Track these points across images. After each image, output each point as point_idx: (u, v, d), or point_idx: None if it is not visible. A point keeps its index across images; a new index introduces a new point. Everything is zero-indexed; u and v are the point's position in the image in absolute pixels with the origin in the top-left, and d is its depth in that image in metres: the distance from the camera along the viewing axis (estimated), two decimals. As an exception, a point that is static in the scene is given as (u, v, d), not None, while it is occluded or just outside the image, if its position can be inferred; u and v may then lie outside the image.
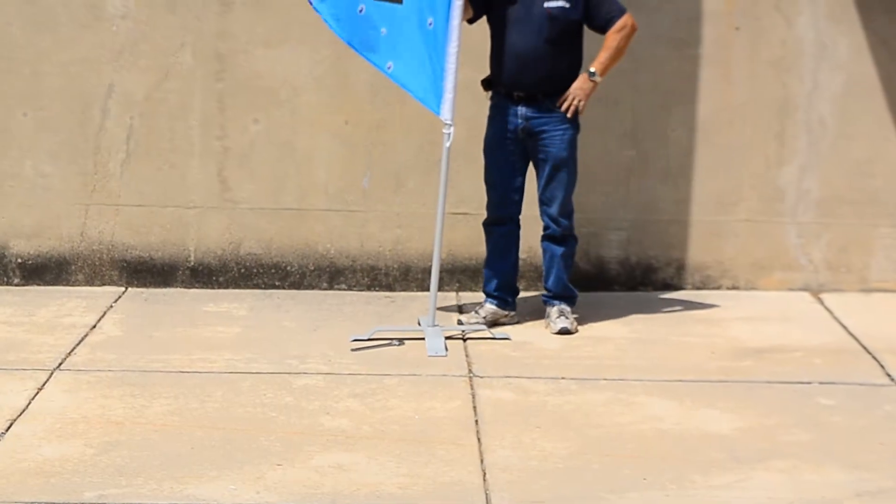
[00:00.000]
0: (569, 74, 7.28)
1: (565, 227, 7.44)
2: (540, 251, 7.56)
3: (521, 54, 7.21)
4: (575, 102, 7.22)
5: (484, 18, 7.36)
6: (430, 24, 7.10)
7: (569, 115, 7.22)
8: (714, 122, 8.15)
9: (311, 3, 7.26)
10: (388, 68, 7.25)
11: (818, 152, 8.17)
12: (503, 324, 7.43)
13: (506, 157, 7.36)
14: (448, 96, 7.09)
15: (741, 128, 8.16)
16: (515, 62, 7.23)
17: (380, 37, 7.22)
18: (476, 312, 7.49)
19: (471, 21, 7.27)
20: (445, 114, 7.12)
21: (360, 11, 7.26)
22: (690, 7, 8.06)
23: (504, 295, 7.49)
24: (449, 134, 7.14)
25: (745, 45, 8.11)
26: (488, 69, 7.42)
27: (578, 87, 7.23)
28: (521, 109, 7.29)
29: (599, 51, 7.26)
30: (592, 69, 7.22)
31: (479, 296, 7.92)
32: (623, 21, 7.24)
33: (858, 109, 8.15)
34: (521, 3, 7.22)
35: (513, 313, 7.51)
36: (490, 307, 7.47)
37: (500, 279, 7.48)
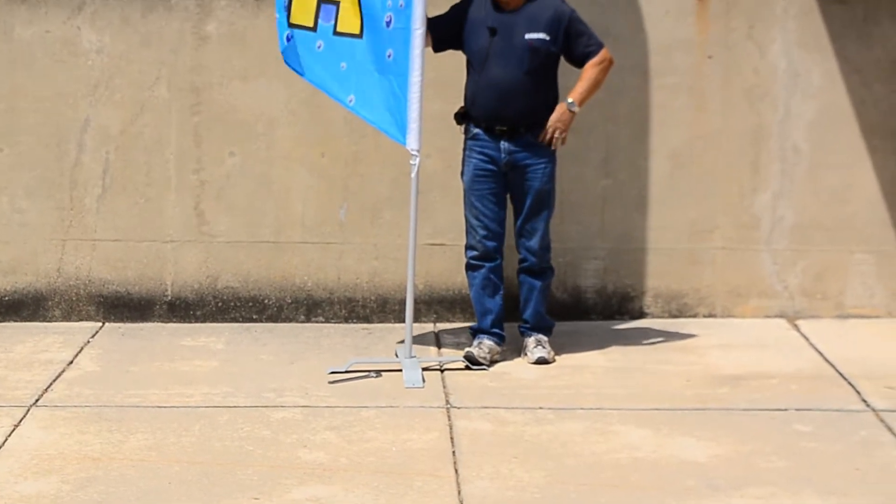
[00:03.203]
0: (548, 107, 7.30)
1: (544, 259, 7.46)
2: (515, 282, 7.55)
3: (502, 87, 7.22)
4: (556, 134, 7.24)
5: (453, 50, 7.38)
6: (390, 55, 7.13)
7: (552, 147, 7.24)
8: (688, 151, 8.18)
9: (289, 64, 7.37)
10: (350, 101, 7.30)
11: (792, 179, 8.20)
12: (497, 360, 7.38)
13: (490, 189, 7.35)
14: (413, 126, 7.09)
15: (715, 156, 8.18)
16: (496, 96, 7.23)
17: (339, 72, 7.28)
18: (479, 346, 7.37)
19: (436, 50, 7.29)
20: (412, 143, 7.12)
21: (319, 48, 7.33)
22: (663, 36, 8.10)
23: (500, 331, 7.46)
24: (415, 164, 7.15)
25: (719, 73, 8.15)
26: (461, 101, 7.42)
27: (557, 118, 7.24)
28: (504, 144, 7.28)
29: (577, 82, 7.29)
30: (571, 99, 7.24)
31: (456, 326, 7.97)
32: (602, 55, 7.27)
33: (832, 137, 8.18)
34: (500, 36, 7.23)
35: (504, 349, 7.48)
36: (489, 343, 7.40)
37: (494, 315, 7.45)
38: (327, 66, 7.33)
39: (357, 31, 7.24)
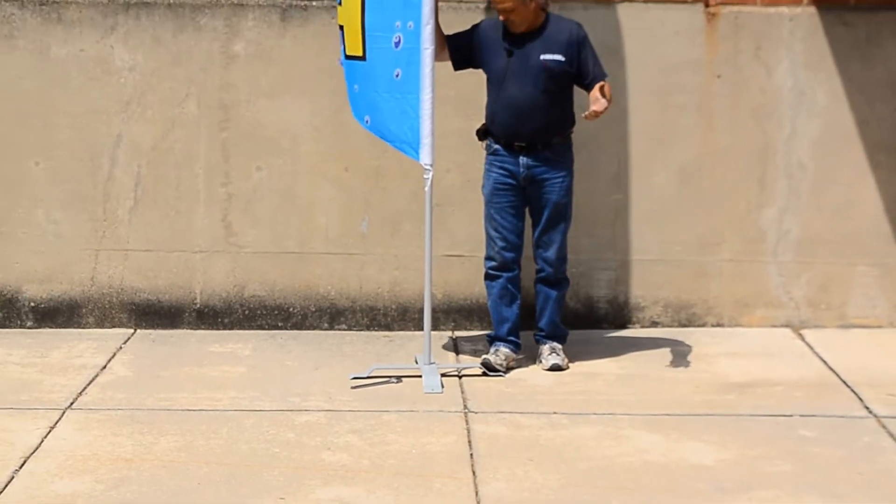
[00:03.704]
0: (563, 125, 7.32)
1: (560, 270, 7.47)
2: (531, 291, 7.56)
3: (520, 106, 7.22)
4: (599, 114, 7.02)
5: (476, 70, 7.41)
6: (398, 75, 7.13)
7: (587, 117, 7.02)
8: (697, 167, 8.17)
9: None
10: (366, 122, 7.34)
11: (797, 195, 8.19)
12: (513, 367, 7.39)
13: (510, 202, 7.35)
14: (426, 141, 7.08)
15: (723, 172, 8.18)
16: (514, 113, 7.24)
17: (354, 93, 7.32)
18: (496, 353, 7.37)
19: (456, 68, 7.31)
20: (425, 158, 7.12)
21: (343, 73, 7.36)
22: (673, 56, 8.10)
23: (517, 339, 7.46)
24: (428, 178, 7.16)
25: (727, 92, 8.14)
26: (481, 119, 7.43)
27: (603, 106, 7.00)
28: (523, 159, 7.29)
29: (603, 88, 7.07)
30: (609, 99, 7.04)
31: (474, 334, 7.96)
32: (607, 85, 7.18)
33: (836, 154, 8.17)
34: (517, 56, 7.25)
35: (521, 356, 7.50)
36: (506, 351, 7.40)
37: (511, 323, 7.45)
38: (349, 88, 7.37)
39: (360, 54, 7.26)
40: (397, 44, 7.12)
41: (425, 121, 7.07)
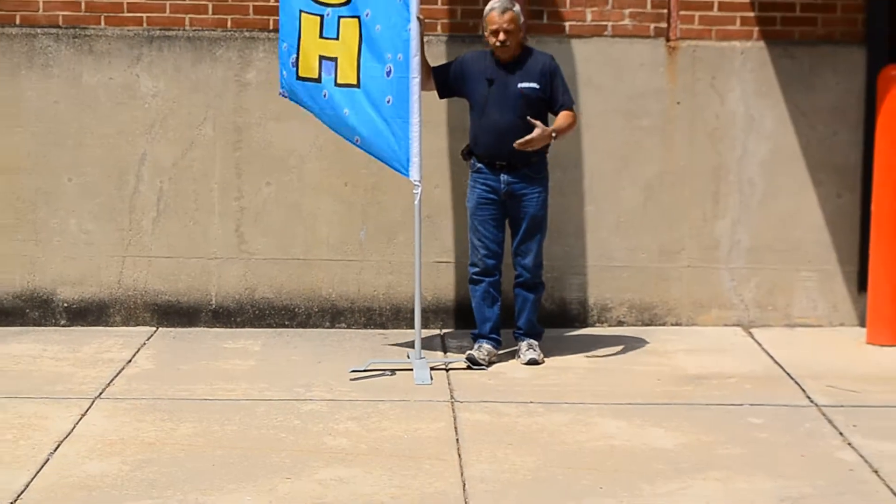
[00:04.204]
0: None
1: (537, 275, 7.47)
2: (511, 295, 7.58)
3: (501, 129, 7.22)
4: (530, 146, 7.14)
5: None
6: (389, 101, 7.13)
7: (519, 147, 7.11)
8: (660, 183, 8.18)
9: (284, 96, 7.40)
10: (357, 141, 7.32)
11: (748, 208, 8.20)
12: (494, 362, 7.38)
13: (492, 215, 7.36)
14: (415, 160, 7.10)
15: (682, 188, 8.19)
16: (496, 136, 7.24)
17: (344, 116, 7.29)
18: (479, 349, 7.37)
19: (441, 96, 7.32)
20: (414, 175, 7.14)
21: (325, 96, 7.35)
22: (639, 85, 8.12)
23: (498, 336, 7.46)
24: (418, 192, 7.17)
25: (686, 117, 8.15)
26: (465, 140, 7.45)
27: (539, 136, 7.14)
28: (504, 176, 7.29)
29: (556, 121, 7.29)
30: (555, 130, 7.23)
31: (462, 332, 7.95)
32: (572, 111, 7.32)
33: (782, 172, 8.18)
34: (497, 85, 7.26)
35: (501, 352, 7.51)
36: (488, 347, 7.40)
37: (492, 322, 7.44)
38: (335, 111, 7.33)
39: (354, 82, 7.24)
40: (388, 73, 7.13)
41: (414, 142, 7.08)
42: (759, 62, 8.12)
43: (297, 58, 7.38)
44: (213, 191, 8.14)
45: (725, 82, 8.14)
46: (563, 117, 7.32)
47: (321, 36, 7.31)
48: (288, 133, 8.10)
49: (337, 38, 7.29)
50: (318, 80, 7.34)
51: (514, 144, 7.13)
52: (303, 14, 7.32)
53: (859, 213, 8.15)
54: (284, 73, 7.47)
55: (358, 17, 7.18)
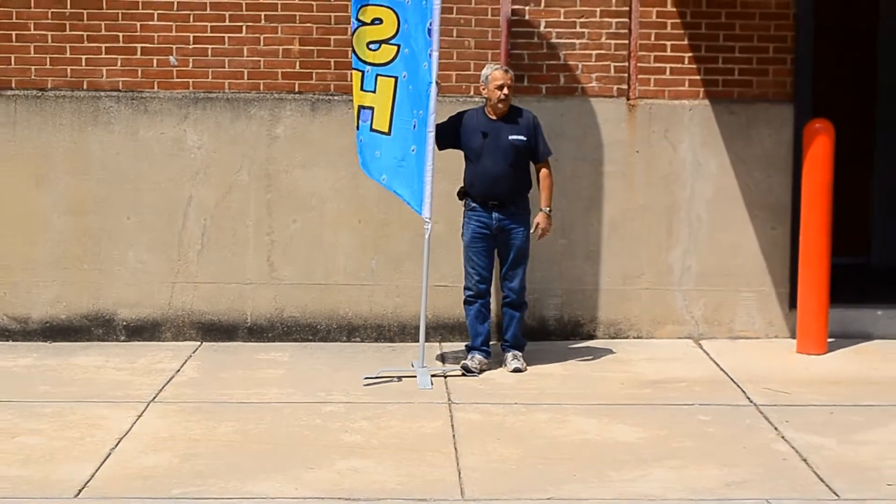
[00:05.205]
0: (525, 188, 7.35)
1: (521, 297, 7.46)
2: (500, 313, 7.56)
3: (493, 174, 7.24)
4: (545, 233, 7.35)
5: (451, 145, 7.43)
6: (413, 150, 7.17)
7: (540, 240, 7.36)
8: (622, 219, 8.17)
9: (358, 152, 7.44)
10: (383, 179, 7.34)
11: (696, 240, 8.19)
12: (485, 370, 7.35)
13: (485, 247, 7.35)
14: (427, 200, 7.13)
15: (641, 223, 8.17)
16: (489, 180, 7.26)
17: (375, 157, 7.33)
18: (472, 359, 7.34)
19: (440, 149, 7.34)
20: (425, 213, 7.17)
21: (362, 140, 7.38)
22: (604, 136, 8.11)
23: (487, 348, 7.44)
24: (428, 228, 7.19)
25: (643, 163, 8.15)
26: (461, 183, 7.45)
27: (544, 224, 7.32)
28: (495, 214, 7.30)
29: (541, 191, 7.35)
30: (547, 208, 7.31)
31: (458, 345, 7.92)
32: (548, 162, 7.37)
33: (725, 209, 8.16)
34: (491, 138, 7.28)
35: (490, 361, 7.48)
36: (479, 357, 7.37)
37: (483, 337, 7.42)
38: (369, 153, 7.37)
39: (386, 130, 7.28)
40: (414, 126, 7.18)
41: (427, 185, 7.11)
42: (705, 117, 8.13)
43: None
44: (248, 227, 8.14)
45: (676, 134, 8.15)
46: (543, 182, 7.37)
47: (361, 88, 7.34)
48: (311, 178, 8.10)
49: (374, 91, 7.31)
50: (357, 126, 7.38)
51: (536, 238, 7.30)
52: (353, 73, 7.38)
53: (790, 243, 8.13)
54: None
55: (395, 77, 7.22)
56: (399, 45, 7.23)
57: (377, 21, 7.26)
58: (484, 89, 7.38)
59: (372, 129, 7.34)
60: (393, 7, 7.24)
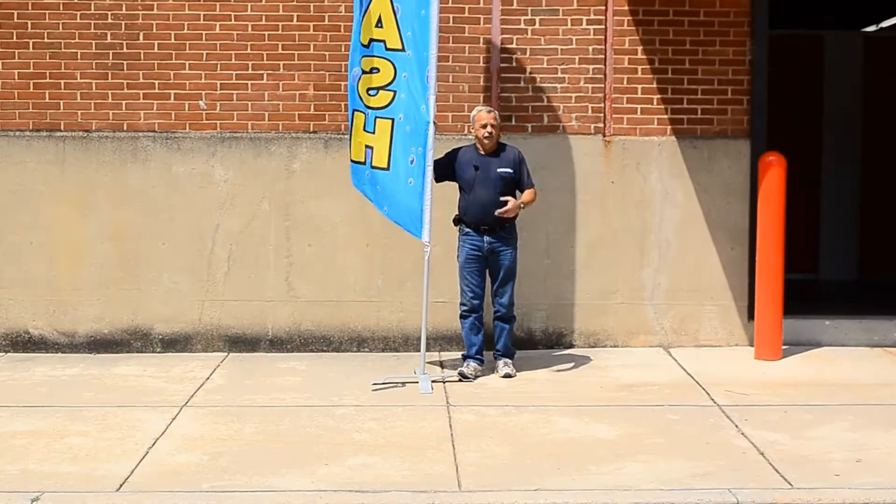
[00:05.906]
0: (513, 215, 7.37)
1: (510, 311, 7.45)
2: (492, 325, 7.55)
3: (485, 203, 7.26)
4: (507, 213, 7.22)
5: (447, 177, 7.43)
6: (410, 182, 7.18)
7: (499, 214, 7.19)
8: (600, 242, 8.19)
9: (355, 186, 7.41)
10: (385, 210, 7.36)
11: (665, 260, 8.20)
12: (479, 376, 7.34)
13: (478, 267, 7.36)
14: (426, 226, 7.14)
15: (616, 245, 8.19)
16: (481, 208, 7.28)
17: (377, 191, 7.34)
18: (467, 366, 7.32)
19: (437, 181, 7.36)
20: (425, 237, 7.18)
21: (367, 175, 7.40)
22: (583, 169, 8.13)
23: (481, 357, 7.43)
24: (427, 251, 7.20)
25: (618, 192, 8.17)
26: (455, 211, 7.46)
27: (513, 206, 7.23)
28: (486, 237, 7.31)
29: (524, 195, 7.34)
30: (522, 202, 7.30)
31: (454, 354, 7.92)
32: (533, 190, 7.38)
33: (690, 233, 8.17)
34: (482, 170, 7.30)
35: (484, 368, 7.47)
36: (474, 365, 7.36)
37: (477, 347, 7.41)
38: (371, 186, 7.40)
39: (385, 166, 7.29)
40: (412, 161, 7.18)
41: (426, 213, 7.12)
42: (672, 151, 8.15)
43: (351, 145, 7.44)
44: (268, 251, 8.15)
45: (647, 166, 8.17)
46: (528, 193, 7.38)
47: (364, 129, 7.36)
48: (324, 208, 8.11)
49: (374, 133, 7.34)
50: (364, 163, 7.39)
51: (496, 213, 7.18)
52: (355, 112, 7.39)
53: (748, 261, 8.14)
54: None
55: (392, 119, 7.24)
56: (395, 91, 7.25)
57: (375, 70, 7.30)
58: (472, 128, 7.41)
59: (372, 167, 7.36)
60: (390, 59, 7.27)
